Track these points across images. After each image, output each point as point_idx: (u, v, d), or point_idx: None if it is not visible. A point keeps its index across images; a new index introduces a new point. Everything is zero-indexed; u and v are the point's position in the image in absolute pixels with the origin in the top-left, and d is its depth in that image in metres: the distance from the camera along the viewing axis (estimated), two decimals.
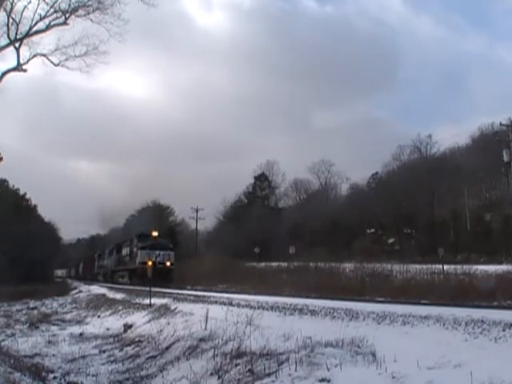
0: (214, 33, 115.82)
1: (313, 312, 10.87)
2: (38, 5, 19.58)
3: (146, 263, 30.00)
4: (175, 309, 16.07)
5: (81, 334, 17.02)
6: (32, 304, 31.10)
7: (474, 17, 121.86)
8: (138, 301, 22.02)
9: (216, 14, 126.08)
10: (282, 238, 54.77)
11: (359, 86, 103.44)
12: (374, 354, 6.62)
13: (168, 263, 36.76)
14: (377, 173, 68.06)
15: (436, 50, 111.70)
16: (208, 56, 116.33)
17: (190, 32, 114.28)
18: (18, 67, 20.61)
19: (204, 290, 26.50)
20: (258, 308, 12.59)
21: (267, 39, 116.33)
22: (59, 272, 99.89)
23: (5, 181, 59.82)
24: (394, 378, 5.85)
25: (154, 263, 29.05)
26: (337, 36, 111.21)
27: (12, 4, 19.61)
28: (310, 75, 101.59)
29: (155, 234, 37.90)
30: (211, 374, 8.06)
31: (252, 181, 74.67)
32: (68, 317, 24.17)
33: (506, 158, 36.15)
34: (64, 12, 20.16)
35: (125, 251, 42.65)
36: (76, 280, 72.26)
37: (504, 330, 6.75)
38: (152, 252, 35.62)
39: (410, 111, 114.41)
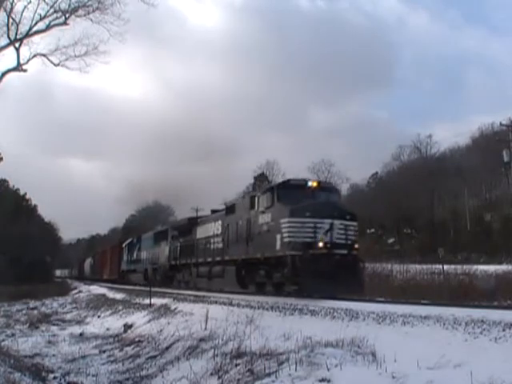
0: (208, 31, 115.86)
1: (313, 312, 10.87)
2: (38, 5, 19.57)
3: (310, 246, 14.95)
4: (175, 309, 16.07)
5: (81, 334, 17.04)
6: (32, 304, 31.12)
7: (470, 11, 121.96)
8: (138, 301, 22.03)
9: (209, 12, 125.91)
10: None
11: (358, 84, 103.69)
12: (374, 354, 6.62)
13: (355, 245, 16.14)
14: (377, 173, 68.10)
15: (433, 47, 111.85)
16: (204, 55, 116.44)
17: (185, 30, 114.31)
18: (18, 67, 20.61)
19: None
20: (258, 308, 12.58)
21: (262, 37, 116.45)
22: (60, 272, 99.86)
23: (5, 181, 59.83)
24: (394, 377, 5.85)
25: (326, 246, 15.12)
26: (333, 33, 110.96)
27: (12, 4, 19.60)
28: (308, 74, 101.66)
29: (314, 183, 17.26)
30: (211, 374, 8.07)
31: (252, 181, 74.74)
32: (68, 317, 24.19)
33: (506, 158, 36.17)
34: (64, 12, 20.15)
35: (222, 224, 21.31)
36: (78, 281, 71.43)
37: (504, 330, 6.74)
38: (319, 222, 15.50)
39: (410, 111, 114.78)
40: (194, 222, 26.44)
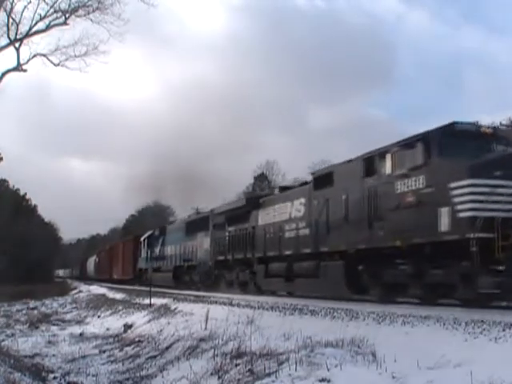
0: (208, 31, 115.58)
1: (313, 312, 10.88)
2: (38, 5, 19.64)
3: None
4: (175, 309, 16.07)
5: (81, 334, 17.05)
6: (32, 304, 31.11)
7: (469, 10, 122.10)
8: (138, 301, 22.03)
9: (208, 12, 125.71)
10: None
11: (357, 84, 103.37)
12: (374, 354, 6.63)
13: None
14: None
15: (431, 46, 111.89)
16: (203, 55, 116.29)
17: (184, 30, 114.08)
18: (18, 67, 20.66)
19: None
20: (258, 308, 12.59)
21: (262, 37, 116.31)
22: (62, 272, 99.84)
23: (5, 181, 59.84)
24: (394, 377, 5.85)
25: None
26: (331, 32, 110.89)
27: (12, 4, 19.67)
28: (307, 73, 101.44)
29: (488, 129, 11.71)
30: (211, 374, 8.07)
31: (252, 181, 74.71)
32: (68, 317, 24.20)
33: None
34: (64, 12, 20.20)
35: (307, 202, 15.96)
36: (78, 281, 71.19)
37: (504, 330, 6.74)
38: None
39: (409, 110, 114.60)
40: (253, 204, 20.02)
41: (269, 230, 17.97)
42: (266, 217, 18.58)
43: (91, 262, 61.75)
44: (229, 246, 21.24)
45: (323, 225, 14.65)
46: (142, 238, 36.99)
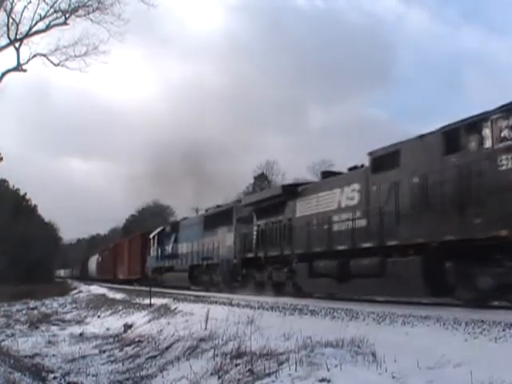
0: (207, 31, 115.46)
1: (313, 312, 10.88)
2: (38, 5, 19.69)
3: None
4: (175, 309, 16.07)
5: (81, 334, 17.05)
6: (32, 304, 31.11)
7: (469, 10, 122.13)
8: (138, 301, 22.04)
9: (208, 11, 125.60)
10: None
11: (357, 83, 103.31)
12: (374, 354, 6.62)
13: None
14: None
15: (431, 46, 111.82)
16: (203, 54, 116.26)
17: (184, 30, 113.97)
18: (18, 67, 20.69)
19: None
20: (259, 308, 12.60)
21: (261, 36, 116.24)
22: (62, 272, 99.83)
23: (5, 181, 59.86)
24: (394, 377, 5.85)
25: None
26: (331, 32, 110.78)
27: (12, 4, 19.71)
28: (307, 73, 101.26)
29: None
30: (211, 374, 8.07)
31: (252, 181, 74.72)
32: (68, 317, 24.20)
33: None
34: (64, 12, 20.23)
35: (363, 188, 13.82)
36: (78, 281, 71.14)
37: (504, 330, 6.75)
38: None
39: (409, 110, 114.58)
40: (289, 194, 17.31)
41: (311, 222, 15.48)
42: (306, 207, 16.05)
43: (93, 262, 59.70)
44: (258, 242, 18.80)
45: (390, 214, 12.35)
46: (151, 235, 34.40)
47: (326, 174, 17.18)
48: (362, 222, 13.42)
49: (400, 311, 9.73)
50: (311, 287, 15.97)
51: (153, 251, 33.46)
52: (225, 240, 22.50)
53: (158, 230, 33.53)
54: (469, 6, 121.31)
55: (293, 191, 17.22)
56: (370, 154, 13.74)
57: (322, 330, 8.18)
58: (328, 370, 6.30)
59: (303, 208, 16.32)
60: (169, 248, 30.37)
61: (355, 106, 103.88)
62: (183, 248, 28.23)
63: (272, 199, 18.36)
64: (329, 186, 15.34)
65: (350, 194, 14.09)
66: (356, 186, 13.87)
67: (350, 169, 15.33)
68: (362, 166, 14.63)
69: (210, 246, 24.08)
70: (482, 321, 7.58)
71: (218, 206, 26.43)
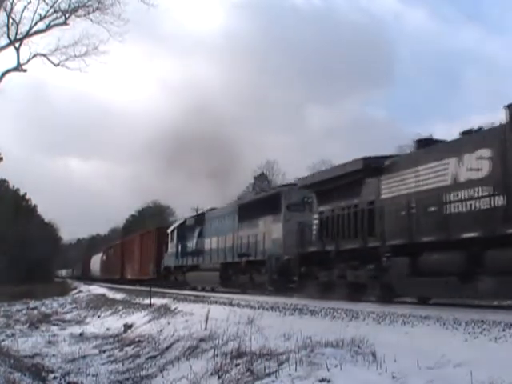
0: (206, 30, 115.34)
1: (313, 312, 10.88)
2: (38, 5, 19.70)
3: None
4: (175, 309, 16.08)
5: (81, 334, 17.06)
6: (32, 304, 31.13)
7: (468, 8, 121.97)
8: (138, 301, 22.04)
9: (207, 11, 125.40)
10: None
11: (356, 83, 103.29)
12: (374, 354, 6.62)
13: None
14: None
15: (431, 46, 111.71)
16: (202, 54, 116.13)
17: (183, 29, 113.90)
18: (18, 67, 20.69)
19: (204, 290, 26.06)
20: (259, 308, 12.60)
21: (261, 36, 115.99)
22: (64, 272, 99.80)
23: (5, 181, 59.86)
24: (394, 377, 5.85)
25: None
26: (330, 31, 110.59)
27: (12, 4, 19.71)
28: (306, 72, 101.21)
29: None
30: (211, 374, 8.06)
31: (252, 181, 74.69)
32: (68, 317, 24.22)
33: None
34: (64, 12, 20.24)
35: (501, 154, 9.90)
36: (78, 281, 71.00)
37: (504, 330, 6.75)
38: None
39: (409, 109, 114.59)
40: (370, 169, 13.52)
41: (410, 205, 11.92)
42: (398, 185, 12.61)
43: (96, 261, 55.19)
44: (321, 233, 15.16)
45: None
46: (169, 230, 30.23)
47: (424, 143, 13.19)
48: (499, 200, 9.94)
49: (400, 311, 9.73)
50: (413, 289, 12.13)
51: (171, 247, 29.24)
52: (271, 232, 18.74)
53: (178, 223, 29.83)
54: (468, 6, 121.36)
55: (375, 167, 13.41)
56: (509, 106, 10.16)
57: (322, 329, 8.18)
58: (328, 369, 6.30)
59: (392, 187, 12.86)
60: (192, 244, 26.37)
61: (355, 105, 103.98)
62: (211, 243, 24.13)
63: (343, 178, 14.39)
64: (434, 156, 11.66)
65: (473, 164, 10.57)
66: (485, 152, 10.35)
67: (465, 133, 11.79)
68: (480, 129, 11.51)
69: (249, 240, 20.19)
70: (482, 321, 7.58)
71: (259, 192, 20.99)
